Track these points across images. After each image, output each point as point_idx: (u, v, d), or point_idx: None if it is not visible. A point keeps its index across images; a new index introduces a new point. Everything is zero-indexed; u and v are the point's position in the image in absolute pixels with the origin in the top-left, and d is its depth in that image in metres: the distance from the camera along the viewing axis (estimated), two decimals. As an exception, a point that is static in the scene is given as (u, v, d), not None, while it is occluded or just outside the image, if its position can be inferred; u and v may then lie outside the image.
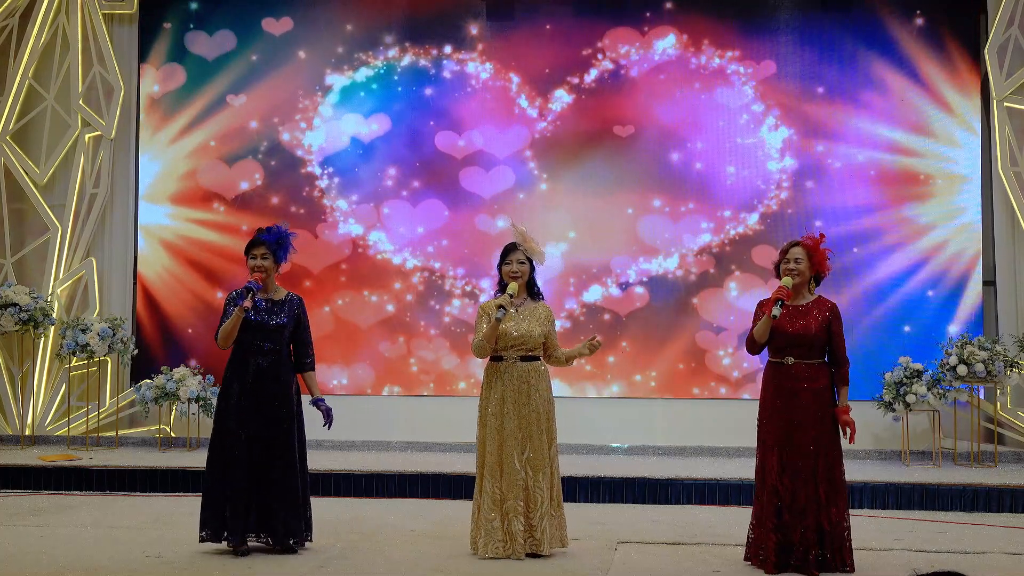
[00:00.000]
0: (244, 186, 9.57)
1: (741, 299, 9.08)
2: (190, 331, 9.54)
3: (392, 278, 9.46)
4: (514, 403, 5.73)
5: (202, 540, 5.77)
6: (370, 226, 9.48)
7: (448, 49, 9.48)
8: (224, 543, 5.76)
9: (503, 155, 9.38)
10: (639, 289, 9.21)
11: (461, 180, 9.41)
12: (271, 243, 5.84)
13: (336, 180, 9.53)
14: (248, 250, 5.88)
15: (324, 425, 5.96)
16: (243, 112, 9.60)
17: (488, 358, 5.87)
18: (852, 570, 5.36)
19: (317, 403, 5.94)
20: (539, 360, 5.85)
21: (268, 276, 5.86)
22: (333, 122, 9.55)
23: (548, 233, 9.10)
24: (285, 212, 9.44)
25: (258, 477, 5.75)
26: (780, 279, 5.51)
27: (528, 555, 5.68)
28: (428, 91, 9.47)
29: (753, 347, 5.62)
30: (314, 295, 9.31)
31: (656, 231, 9.23)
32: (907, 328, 8.92)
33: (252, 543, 5.81)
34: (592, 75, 9.33)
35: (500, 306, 5.64)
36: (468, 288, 9.37)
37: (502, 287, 5.84)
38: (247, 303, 5.69)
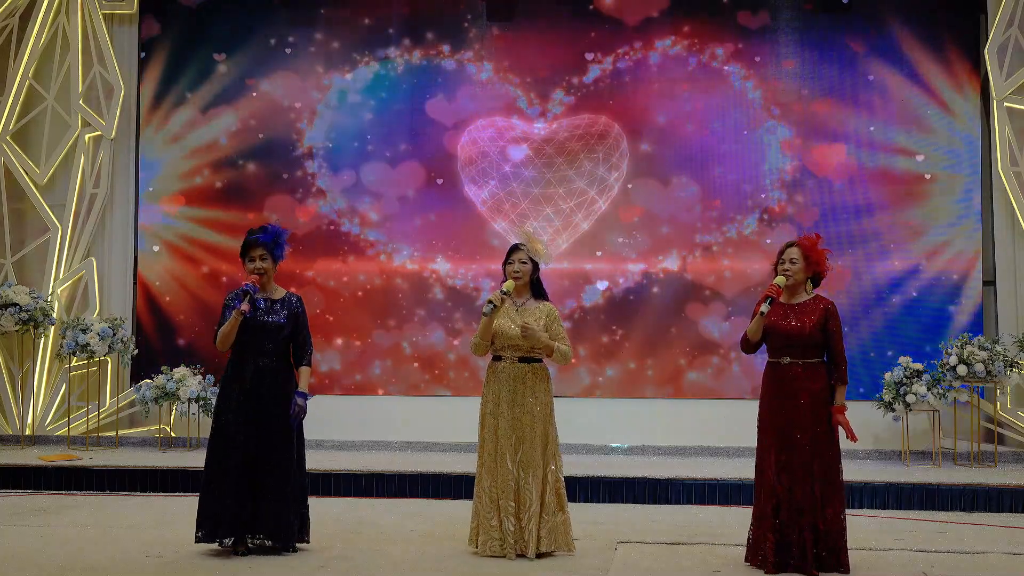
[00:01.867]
0: (223, 141, 9.59)
1: (734, 267, 9.11)
2: (189, 329, 9.54)
3: (376, 247, 9.49)
4: (508, 404, 5.74)
5: (198, 540, 5.74)
6: (351, 193, 9.51)
7: (447, 48, 9.48)
8: (218, 543, 5.74)
9: (497, 144, 9.40)
10: (632, 267, 9.22)
11: (448, 149, 9.46)
12: (268, 243, 5.83)
13: (322, 151, 9.56)
14: (245, 252, 5.84)
15: (291, 417, 5.78)
16: (226, 70, 9.64)
17: (491, 357, 5.89)
18: (847, 570, 5.35)
19: (297, 395, 5.82)
20: (539, 361, 5.84)
21: (267, 276, 5.85)
22: (327, 105, 9.60)
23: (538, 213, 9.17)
24: (265, 176, 9.55)
25: (255, 477, 5.73)
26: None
27: (518, 555, 5.68)
28: (426, 85, 9.49)
29: (747, 346, 5.63)
30: (294, 260, 9.30)
31: (652, 230, 9.24)
32: (907, 328, 8.91)
33: (260, 542, 5.79)
34: (591, 75, 9.34)
35: (489, 301, 5.66)
36: (456, 268, 9.39)
37: None
38: (244, 307, 5.67)
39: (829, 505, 5.36)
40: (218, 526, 5.71)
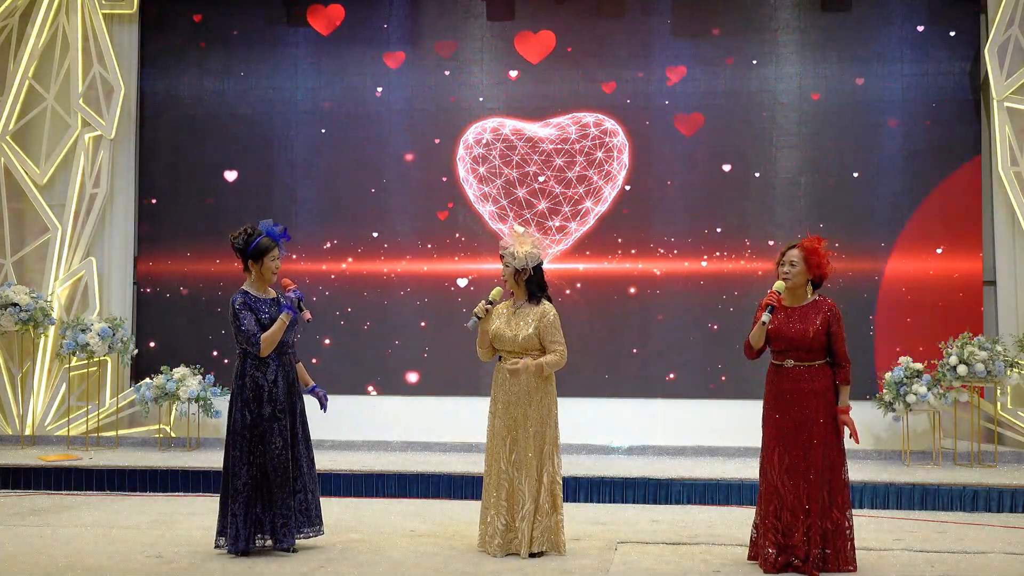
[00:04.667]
0: (224, 139, 9.63)
1: (737, 266, 9.12)
2: (190, 331, 9.55)
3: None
4: (504, 404, 5.77)
5: (231, 552, 5.71)
6: (347, 193, 9.53)
7: (447, 48, 9.48)
8: (248, 554, 5.74)
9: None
10: (633, 266, 9.23)
11: (448, 150, 9.44)
12: (284, 244, 5.91)
13: (319, 151, 9.57)
14: (265, 253, 5.83)
15: (322, 409, 6.05)
16: (226, 69, 9.68)
17: (497, 357, 5.94)
18: (854, 570, 5.36)
19: (315, 390, 6.05)
20: None
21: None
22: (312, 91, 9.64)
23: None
24: (265, 175, 9.58)
25: (296, 473, 5.83)
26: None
27: (507, 555, 5.70)
28: (426, 84, 9.49)
29: (749, 352, 5.65)
30: (295, 259, 9.33)
31: (654, 230, 9.24)
32: (907, 328, 8.90)
33: (260, 542, 5.83)
34: (592, 74, 9.33)
35: (474, 314, 5.74)
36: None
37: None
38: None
39: (835, 505, 5.37)
40: (258, 532, 5.75)
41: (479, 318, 5.74)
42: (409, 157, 9.50)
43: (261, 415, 5.75)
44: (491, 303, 5.76)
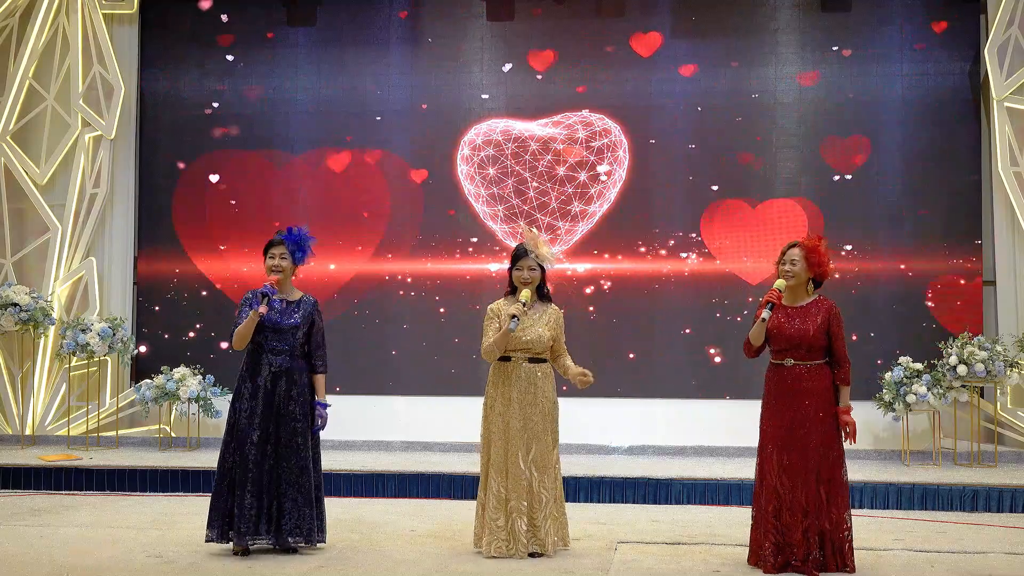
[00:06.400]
0: (224, 139, 9.64)
1: (736, 266, 9.12)
2: (190, 331, 9.55)
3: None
4: (520, 403, 5.75)
5: (208, 540, 5.77)
6: (347, 192, 9.53)
7: (447, 48, 9.48)
8: (229, 543, 5.76)
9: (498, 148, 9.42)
10: (633, 266, 9.23)
11: (448, 149, 9.44)
12: (290, 243, 5.88)
13: (319, 151, 9.58)
14: (267, 249, 5.88)
15: (315, 427, 5.95)
16: (225, 68, 9.70)
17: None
18: (852, 570, 5.36)
19: (316, 405, 5.97)
20: (545, 361, 5.88)
21: (285, 277, 5.89)
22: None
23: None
24: (265, 175, 9.56)
25: (271, 477, 5.78)
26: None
27: (530, 555, 5.70)
28: (425, 84, 9.49)
29: (749, 350, 5.64)
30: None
31: (654, 229, 9.24)
32: (906, 328, 8.90)
33: (261, 543, 5.79)
34: (592, 74, 9.33)
35: (513, 316, 5.66)
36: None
37: (512, 289, 5.88)
38: (262, 308, 5.73)
39: (833, 505, 5.37)
40: (228, 526, 5.74)
41: (519, 320, 5.70)
42: (410, 157, 9.50)
43: (240, 412, 5.80)
44: (525, 304, 5.76)
